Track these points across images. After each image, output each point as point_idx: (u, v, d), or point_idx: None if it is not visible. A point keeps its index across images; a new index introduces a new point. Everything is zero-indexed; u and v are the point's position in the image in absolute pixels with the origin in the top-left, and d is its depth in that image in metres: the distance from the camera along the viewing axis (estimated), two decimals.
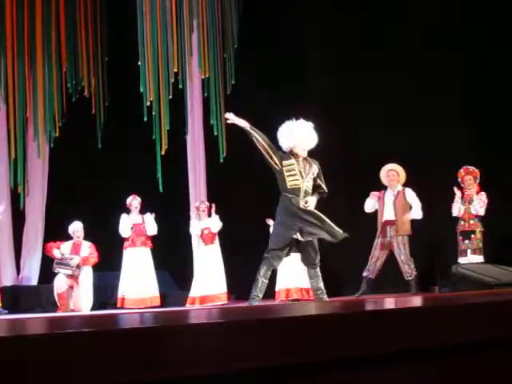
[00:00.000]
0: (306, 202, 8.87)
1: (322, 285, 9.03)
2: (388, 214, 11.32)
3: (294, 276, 12.09)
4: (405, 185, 11.47)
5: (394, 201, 11.36)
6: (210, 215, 12.51)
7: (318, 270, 9.04)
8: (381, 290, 11.32)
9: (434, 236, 11.80)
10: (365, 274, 11.25)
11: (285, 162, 8.95)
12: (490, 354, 2.77)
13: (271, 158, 8.92)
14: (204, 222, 12.46)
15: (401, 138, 12.46)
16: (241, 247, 12.62)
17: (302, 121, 9.30)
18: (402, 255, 11.13)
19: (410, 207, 11.33)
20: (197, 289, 12.17)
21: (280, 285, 12.33)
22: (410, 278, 11.04)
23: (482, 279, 8.27)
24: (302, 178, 8.93)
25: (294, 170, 8.94)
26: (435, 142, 12.37)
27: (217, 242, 12.44)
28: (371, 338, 2.45)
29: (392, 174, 11.48)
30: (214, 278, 12.14)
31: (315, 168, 9.10)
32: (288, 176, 8.93)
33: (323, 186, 9.11)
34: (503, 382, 2.78)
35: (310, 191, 8.99)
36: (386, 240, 11.26)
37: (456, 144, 12.12)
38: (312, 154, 9.23)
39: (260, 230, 12.12)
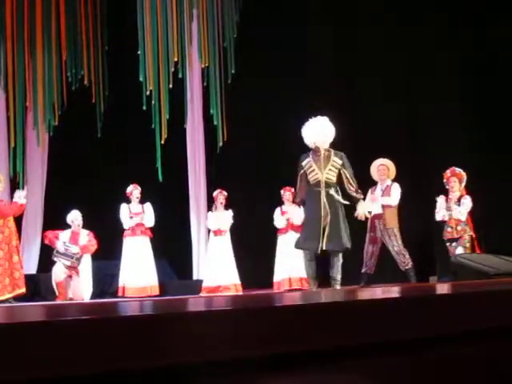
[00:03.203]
0: (328, 193, 9.32)
1: (336, 275, 9.24)
2: (376, 207, 11.33)
3: (294, 265, 12.10)
4: (394, 180, 11.48)
5: (382, 195, 11.37)
6: (226, 206, 12.55)
7: (338, 257, 9.32)
8: (382, 280, 11.34)
9: (433, 225, 11.76)
10: (363, 270, 11.25)
11: (303, 163, 9.54)
12: (491, 343, 2.77)
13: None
14: (217, 214, 12.48)
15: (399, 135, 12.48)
16: (240, 237, 12.62)
17: (317, 117, 9.72)
18: (395, 247, 11.11)
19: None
20: (209, 279, 12.23)
21: (281, 275, 12.33)
22: (407, 268, 11.03)
23: (482, 269, 8.27)
24: (321, 171, 9.41)
25: (311, 166, 9.46)
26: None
27: (228, 232, 12.48)
28: (375, 327, 2.45)
29: (382, 168, 11.50)
30: (226, 268, 12.19)
31: (337, 160, 9.52)
32: (309, 173, 9.47)
33: (350, 180, 9.54)
34: (502, 371, 2.78)
35: (333, 181, 9.45)
36: (376, 234, 11.26)
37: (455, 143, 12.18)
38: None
39: (260, 218, 12.14)
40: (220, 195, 12.63)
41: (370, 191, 11.50)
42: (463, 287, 4.55)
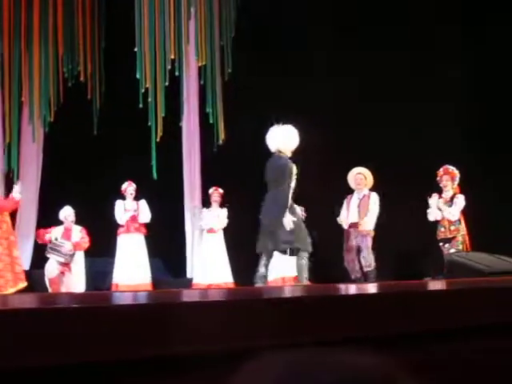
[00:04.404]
0: None
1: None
2: (352, 217, 11.32)
3: (288, 264, 12.10)
4: (372, 189, 11.47)
5: (359, 204, 11.36)
6: (222, 204, 12.55)
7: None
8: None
9: (427, 223, 11.70)
10: (353, 277, 11.24)
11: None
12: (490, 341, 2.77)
13: None
14: (213, 215, 12.47)
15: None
16: (236, 236, 12.62)
17: (281, 125, 9.71)
18: (365, 250, 11.11)
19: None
20: (200, 276, 12.23)
21: (275, 274, 12.31)
22: (369, 269, 11.02)
23: (476, 267, 8.27)
24: None
25: None
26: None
27: (221, 231, 12.48)
28: (363, 321, 2.45)
29: (359, 177, 11.48)
30: (218, 266, 12.19)
31: None
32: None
33: None
34: (495, 366, 2.77)
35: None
36: (351, 243, 11.25)
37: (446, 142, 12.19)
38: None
39: (255, 218, 12.13)
40: (215, 193, 12.65)
41: (345, 200, 11.51)
42: (458, 284, 4.56)
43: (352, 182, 11.51)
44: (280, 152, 9.50)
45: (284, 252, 9.34)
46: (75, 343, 1.83)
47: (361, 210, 11.32)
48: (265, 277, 9.21)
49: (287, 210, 9.15)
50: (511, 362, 2.88)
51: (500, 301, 3.15)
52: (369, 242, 11.20)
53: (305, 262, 9.24)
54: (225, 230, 12.55)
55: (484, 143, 12.42)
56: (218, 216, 12.43)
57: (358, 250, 11.19)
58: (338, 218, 11.48)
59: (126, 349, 1.92)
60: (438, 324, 2.76)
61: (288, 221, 9.06)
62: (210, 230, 12.44)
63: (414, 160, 12.43)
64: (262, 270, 9.22)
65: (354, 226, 11.28)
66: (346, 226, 11.38)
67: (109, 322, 1.93)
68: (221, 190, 12.65)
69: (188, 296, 4.19)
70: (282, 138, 9.54)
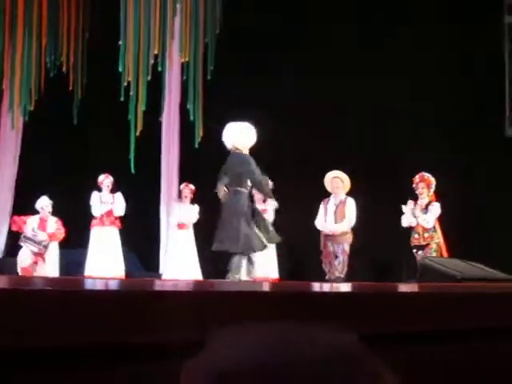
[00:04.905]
0: None
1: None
2: (329, 224, 11.27)
3: (260, 263, 12.10)
4: (349, 193, 11.44)
5: (335, 210, 11.30)
6: (193, 200, 12.51)
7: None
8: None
9: (399, 226, 11.70)
10: (327, 278, 11.20)
11: None
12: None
13: None
14: (184, 210, 12.45)
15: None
16: (212, 234, 12.59)
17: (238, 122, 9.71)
18: (340, 263, 11.12)
19: None
20: (169, 272, 12.19)
21: (260, 273, 12.26)
22: (340, 276, 10.97)
23: (449, 272, 8.32)
24: None
25: None
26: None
27: (191, 227, 12.46)
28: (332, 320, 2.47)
29: (336, 181, 11.36)
30: (187, 263, 12.15)
31: None
32: None
33: None
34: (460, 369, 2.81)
35: None
36: (329, 249, 11.22)
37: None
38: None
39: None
40: (186, 189, 12.62)
41: (322, 204, 11.47)
42: (428, 288, 4.60)
43: (328, 185, 11.43)
44: (236, 149, 9.43)
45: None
46: (46, 326, 1.85)
47: (337, 216, 11.25)
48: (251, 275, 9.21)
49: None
50: (478, 365, 2.92)
51: (469, 306, 3.19)
52: (346, 248, 11.16)
53: (238, 262, 9.13)
54: (196, 226, 12.52)
55: (463, 148, 12.47)
56: (189, 211, 12.40)
57: (336, 256, 11.14)
58: (316, 224, 11.43)
59: (97, 334, 1.93)
60: (405, 326, 2.79)
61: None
62: (181, 226, 12.43)
63: (391, 164, 12.47)
64: (241, 268, 9.19)
65: (331, 234, 11.24)
66: (323, 231, 11.33)
67: (80, 307, 1.95)
68: (192, 186, 12.62)
69: (159, 285, 4.21)
70: (238, 135, 9.46)
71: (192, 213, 12.39)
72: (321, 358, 0.78)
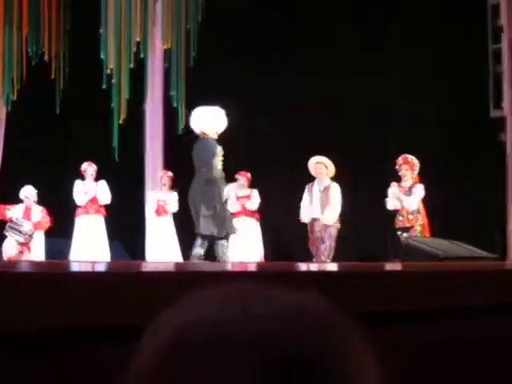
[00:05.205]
0: None
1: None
2: (315, 211, 11.26)
3: (256, 250, 12.14)
4: (334, 178, 11.43)
5: (321, 197, 11.29)
6: (172, 188, 12.50)
7: None
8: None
9: (386, 213, 11.73)
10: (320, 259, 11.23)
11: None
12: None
13: None
14: (161, 195, 12.47)
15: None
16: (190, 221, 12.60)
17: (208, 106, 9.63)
18: (327, 248, 11.18)
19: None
20: (151, 259, 12.20)
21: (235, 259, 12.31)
22: (327, 261, 10.93)
23: (431, 251, 8.36)
24: None
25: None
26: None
27: (170, 214, 12.45)
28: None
29: (319, 166, 11.32)
30: (167, 250, 12.14)
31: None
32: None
33: None
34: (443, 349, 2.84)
35: None
36: (316, 235, 11.24)
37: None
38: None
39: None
40: (164, 176, 12.63)
41: (306, 188, 11.45)
42: (409, 267, 4.63)
43: (312, 170, 11.42)
44: (205, 134, 9.36)
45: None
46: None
47: (322, 203, 11.24)
48: (202, 256, 9.16)
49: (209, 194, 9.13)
50: (460, 343, 2.95)
51: (449, 284, 3.21)
52: (333, 233, 11.17)
53: (198, 245, 9.20)
54: (178, 213, 12.50)
55: (445, 133, 12.50)
56: (167, 199, 12.41)
57: (323, 241, 11.13)
58: (301, 213, 11.43)
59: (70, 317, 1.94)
60: (387, 304, 2.82)
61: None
62: (159, 213, 12.44)
63: (374, 147, 12.50)
64: (196, 249, 9.19)
65: (317, 219, 11.24)
66: (307, 221, 11.33)
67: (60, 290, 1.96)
68: (170, 173, 12.61)
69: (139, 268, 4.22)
70: (207, 120, 9.36)
71: (171, 200, 12.37)
72: (277, 313, 0.80)
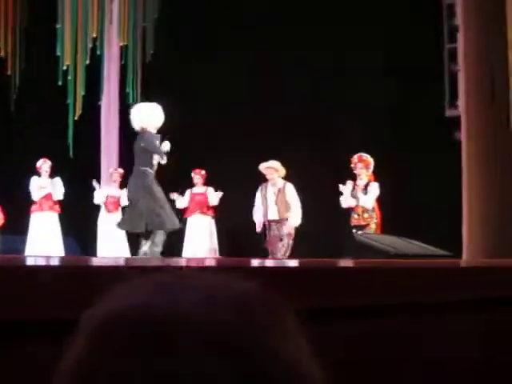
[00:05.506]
0: None
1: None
2: (271, 213, 11.25)
3: (202, 247, 12.12)
4: (287, 178, 11.37)
5: (276, 200, 11.24)
6: (122, 186, 12.46)
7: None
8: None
9: (341, 211, 11.76)
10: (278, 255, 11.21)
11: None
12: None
13: None
14: (111, 191, 12.47)
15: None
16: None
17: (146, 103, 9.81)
18: (284, 246, 11.21)
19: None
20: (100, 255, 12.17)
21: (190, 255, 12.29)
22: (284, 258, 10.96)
23: (382, 249, 8.40)
24: None
25: None
26: None
27: (119, 211, 12.44)
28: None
29: (269, 171, 11.22)
30: (116, 246, 12.11)
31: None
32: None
33: None
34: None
35: None
36: (274, 233, 11.26)
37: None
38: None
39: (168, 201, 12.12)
40: (114, 173, 12.64)
41: (259, 189, 11.42)
42: (357, 264, 4.66)
43: (264, 173, 11.40)
44: (144, 130, 9.32)
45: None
46: None
47: (279, 205, 11.20)
48: (146, 254, 9.13)
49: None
50: (408, 339, 2.99)
51: (396, 281, 3.24)
52: (291, 232, 11.15)
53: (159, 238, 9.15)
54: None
55: (400, 129, 12.58)
56: (116, 193, 12.41)
57: (280, 239, 11.11)
58: (254, 214, 11.42)
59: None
60: (334, 300, 2.84)
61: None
62: (110, 210, 12.44)
63: (329, 146, 12.54)
64: (143, 248, 9.17)
65: (273, 222, 11.22)
66: (260, 222, 11.30)
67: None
68: (121, 170, 12.60)
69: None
70: (146, 116, 9.36)
71: (120, 197, 12.36)
72: (204, 298, 0.81)
